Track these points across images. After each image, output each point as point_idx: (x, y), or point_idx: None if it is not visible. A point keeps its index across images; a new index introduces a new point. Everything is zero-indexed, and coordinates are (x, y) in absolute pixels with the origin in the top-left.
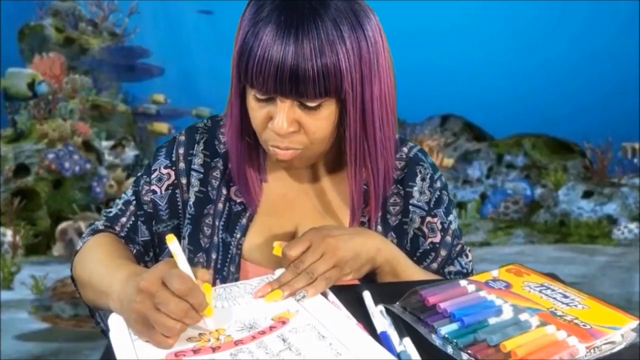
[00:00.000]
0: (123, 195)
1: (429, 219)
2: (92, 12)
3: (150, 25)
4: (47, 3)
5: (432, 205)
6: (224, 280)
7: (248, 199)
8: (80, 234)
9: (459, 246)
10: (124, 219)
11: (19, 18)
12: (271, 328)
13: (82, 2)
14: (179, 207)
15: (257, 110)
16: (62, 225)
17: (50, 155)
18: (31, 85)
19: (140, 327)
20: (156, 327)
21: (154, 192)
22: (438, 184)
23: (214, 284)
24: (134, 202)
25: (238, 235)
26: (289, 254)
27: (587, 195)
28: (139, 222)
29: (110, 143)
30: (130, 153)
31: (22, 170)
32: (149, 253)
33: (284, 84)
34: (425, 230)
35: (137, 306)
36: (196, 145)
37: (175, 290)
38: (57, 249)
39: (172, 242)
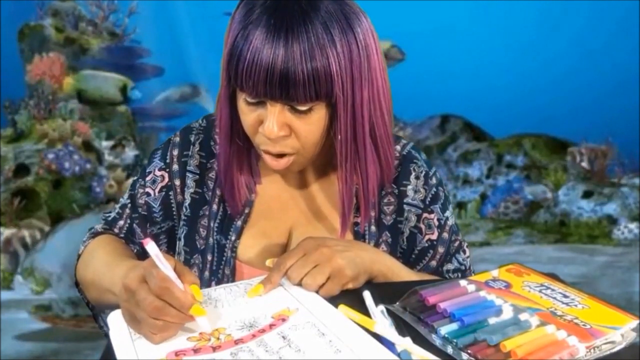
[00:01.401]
0: (121, 199)
1: (425, 215)
2: (92, 12)
3: (151, 26)
4: (47, 3)
5: (427, 202)
6: (219, 283)
7: (232, 203)
8: (24, 244)
9: (457, 242)
10: (121, 222)
11: (19, 18)
12: (271, 326)
13: (82, 2)
14: (173, 209)
15: (247, 114)
16: (6, 234)
17: (50, 155)
18: (123, 91)
19: (130, 322)
20: (141, 323)
21: (148, 194)
22: (433, 181)
23: (209, 285)
24: (129, 205)
25: (233, 238)
26: (285, 264)
27: (587, 195)
28: (134, 225)
29: (110, 143)
30: (130, 153)
31: (22, 170)
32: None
33: (274, 87)
34: (422, 226)
35: (124, 303)
36: (192, 147)
37: (151, 289)
38: (2, 262)
39: (149, 245)
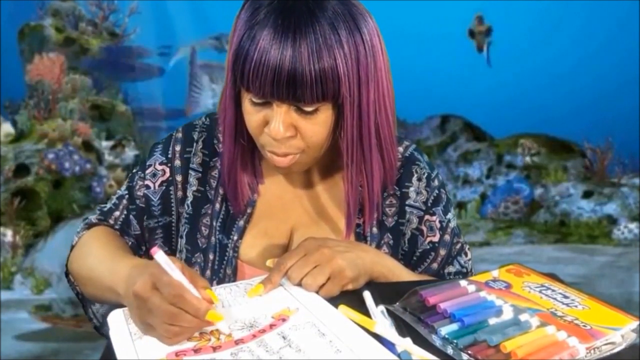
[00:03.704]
0: (117, 191)
1: (427, 217)
2: (92, 12)
3: (151, 25)
4: (47, 3)
5: (429, 204)
6: (221, 282)
7: (235, 203)
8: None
9: (459, 244)
10: (117, 213)
11: (19, 18)
12: (271, 326)
13: (82, 2)
14: (172, 205)
15: (253, 115)
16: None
17: (50, 155)
18: None
19: (142, 327)
20: (156, 328)
21: (148, 187)
22: (435, 183)
23: (210, 285)
24: (127, 196)
25: (235, 237)
26: (286, 264)
27: (587, 195)
28: (130, 216)
29: (110, 143)
30: (130, 153)
31: (22, 170)
32: (142, 247)
33: (281, 88)
34: (424, 228)
35: (134, 310)
36: (195, 144)
37: (165, 297)
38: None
39: (158, 254)
